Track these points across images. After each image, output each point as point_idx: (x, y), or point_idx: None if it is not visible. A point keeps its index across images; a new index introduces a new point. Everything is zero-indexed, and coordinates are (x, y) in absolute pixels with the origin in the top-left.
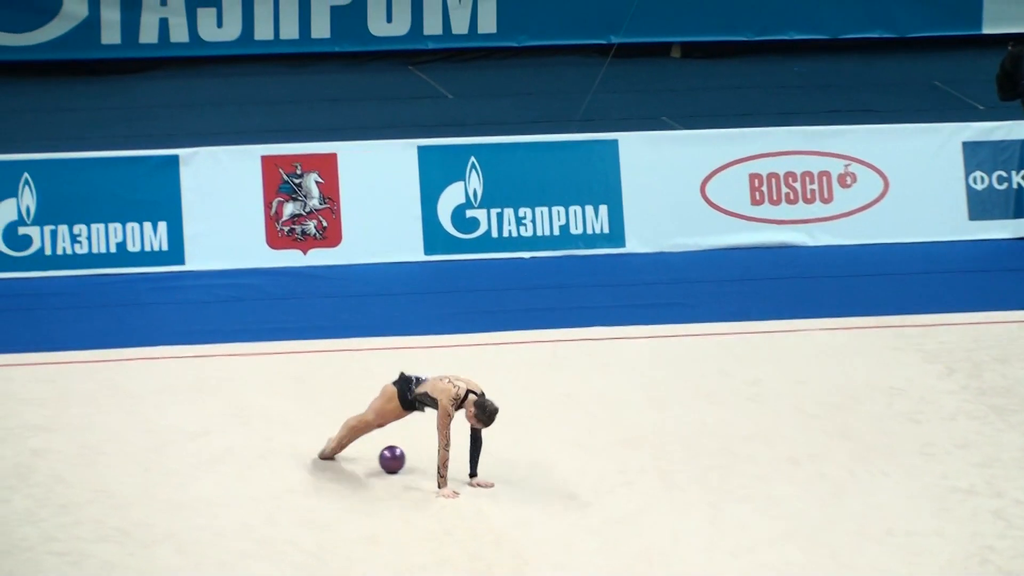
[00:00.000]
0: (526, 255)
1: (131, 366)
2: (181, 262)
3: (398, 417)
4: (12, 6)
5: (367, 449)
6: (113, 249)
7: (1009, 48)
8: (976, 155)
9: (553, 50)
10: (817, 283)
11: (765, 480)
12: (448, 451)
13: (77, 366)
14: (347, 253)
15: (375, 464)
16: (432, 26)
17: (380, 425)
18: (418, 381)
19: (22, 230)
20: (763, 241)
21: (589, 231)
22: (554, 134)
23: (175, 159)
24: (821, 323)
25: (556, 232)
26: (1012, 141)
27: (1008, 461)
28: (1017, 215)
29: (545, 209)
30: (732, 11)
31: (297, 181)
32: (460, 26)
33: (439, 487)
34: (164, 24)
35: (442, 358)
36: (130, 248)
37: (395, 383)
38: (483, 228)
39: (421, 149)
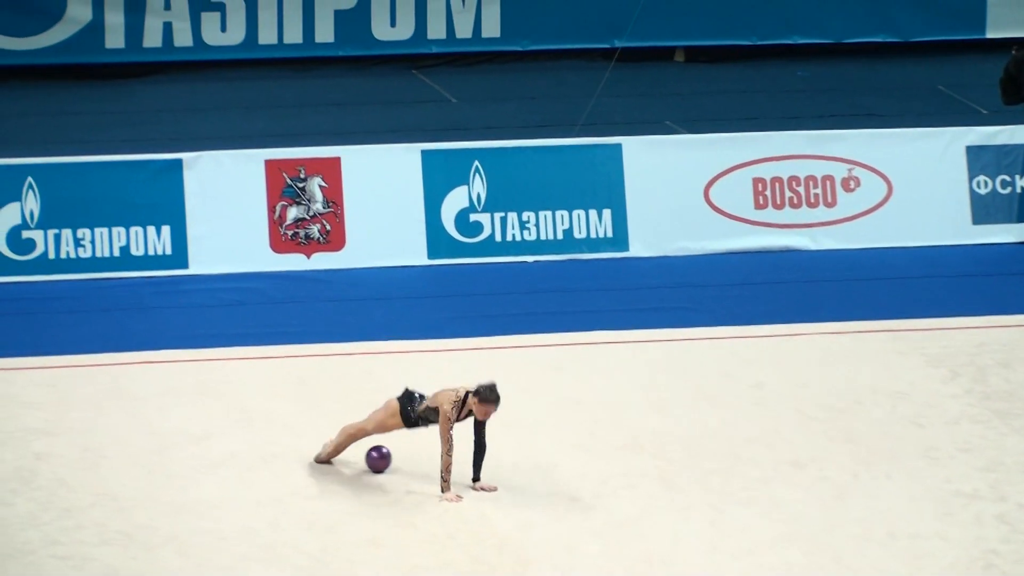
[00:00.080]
0: (530, 259)
1: (134, 370)
2: (185, 266)
3: (397, 429)
4: (16, 10)
5: (364, 453)
6: (117, 253)
7: (1013, 52)
8: (980, 159)
9: (557, 54)
10: (820, 287)
11: (767, 483)
12: (451, 455)
13: (80, 370)
14: (351, 257)
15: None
16: (436, 30)
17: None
18: (421, 399)
19: (26, 234)
20: (767, 245)
21: (593, 235)
22: (558, 138)
23: (179, 163)
24: (824, 327)
25: (560, 236)
26: (1016, 145)
27: (1012, 465)
28: (1021, 219)
29: (549, 213)
30: (736, 15)
31: (301, 185)
32: (464, 30)
33: (442, 491)
34: (168, 28)
35: (445, 362)
36: (134, 252)
37: (399, 399)
38: (487, 232)
39: (425, 153)
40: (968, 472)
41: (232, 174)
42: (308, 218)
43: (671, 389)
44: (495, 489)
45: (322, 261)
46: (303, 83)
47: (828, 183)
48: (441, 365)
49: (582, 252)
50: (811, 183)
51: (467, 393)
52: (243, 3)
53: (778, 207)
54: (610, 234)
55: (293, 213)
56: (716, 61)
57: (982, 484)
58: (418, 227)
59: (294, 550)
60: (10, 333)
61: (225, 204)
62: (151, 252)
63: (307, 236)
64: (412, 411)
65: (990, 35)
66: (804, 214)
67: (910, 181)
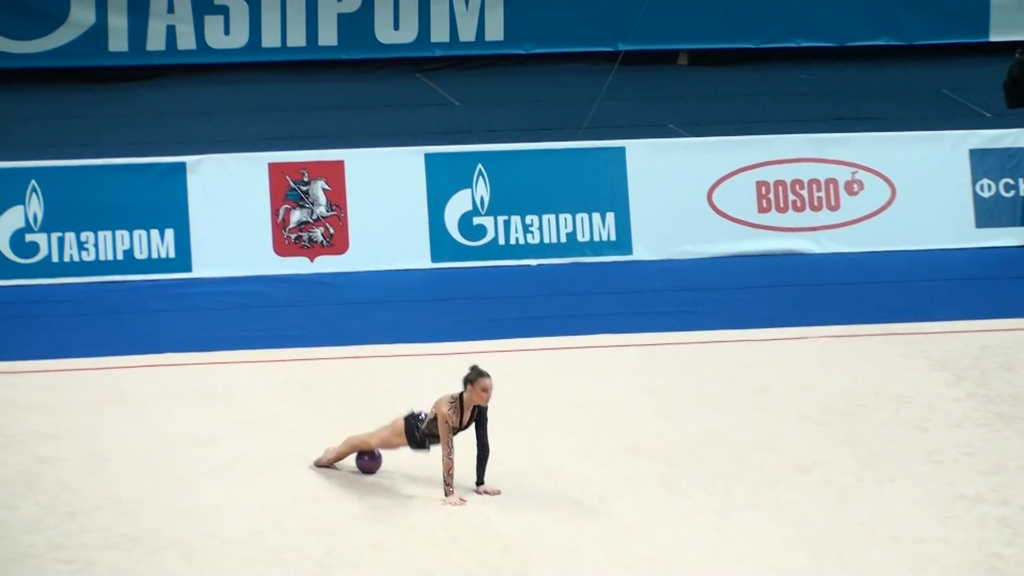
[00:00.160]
0: (533, 262)
1: (138, 373)
2: (188, 269)
3: (402, 447)
4: (19, 13)
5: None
6: (120, 256)
7: (1017, 55)
8: (983, 162)
9: (560, 57)
10: (824, 290)
11: (771, 487)
12: (452, 458)
13: (84, 373)
14: (354, 260)
15: (379, 471)
16: (439, 33)
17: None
18: (424, 418)
19: (29, 237)
20: (770, 249)
21: (596, 238)
22: (561, 141)
23: (182, 166)
24: (828, 330)
25: (563, 239)
26: (1019, 148)
27: (1015, 469)
28: None
29: (552, 216)
30: (739, 18)
31: (304, 188)
32: (467, 33)
33: (445, 494)
34: (171, 31)
35: (449, 366)
36: (137, 255)
37: (406, 418)
38: (490, 235)
39: (428, 156)
40: (971, 475)
41: (235, 177)
42: (311, 221)
43: (675, 393)
44: (499, 492)
45: (325, 264)
46: (306, 86)
47: (831, 186)
48: (445, 368)
49: (585, 255)
50: (814, 186)
51: (460, 393)
52: (246, 6)
53: (781, 210)
54: (613, 237)
55: (296, 216)
56: (719, 64)
57: (985, 487)
58: (421, 230)
59: (299, 554)
60: (13, 336)
61: (228, 207)
62: (154, 255)
63: (310, 239)
64: (417, 431)
65: (993, 38)
66: (807, 217)
67: (913, 184)
